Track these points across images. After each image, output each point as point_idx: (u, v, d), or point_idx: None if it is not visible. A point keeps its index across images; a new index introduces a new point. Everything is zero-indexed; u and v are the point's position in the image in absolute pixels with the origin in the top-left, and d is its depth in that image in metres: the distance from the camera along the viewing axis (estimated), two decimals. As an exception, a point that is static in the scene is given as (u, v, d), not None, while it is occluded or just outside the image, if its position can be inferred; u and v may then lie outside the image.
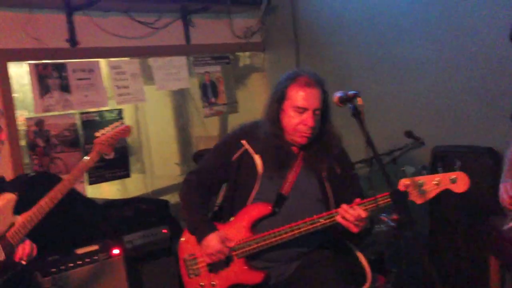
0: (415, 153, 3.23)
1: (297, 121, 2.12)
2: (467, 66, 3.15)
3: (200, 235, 2.25)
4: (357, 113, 1.88)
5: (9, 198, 2.12)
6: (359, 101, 1.88)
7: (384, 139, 3.52)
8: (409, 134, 3.23)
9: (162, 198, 3.60)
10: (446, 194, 2.94)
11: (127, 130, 2.33)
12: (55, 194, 2.15)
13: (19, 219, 2.12)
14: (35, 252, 2.17)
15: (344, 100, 1.96)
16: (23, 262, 2.12)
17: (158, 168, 4.48)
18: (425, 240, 3.29)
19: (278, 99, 2.17)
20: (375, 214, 2.03)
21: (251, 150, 2.24)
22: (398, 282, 2.99)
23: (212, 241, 2.20)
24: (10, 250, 2.09)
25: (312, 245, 2.25)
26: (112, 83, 3.54)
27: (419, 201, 1.93)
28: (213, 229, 2.24)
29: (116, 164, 3.52)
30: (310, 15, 4.07)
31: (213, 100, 4.17)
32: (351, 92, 1.93)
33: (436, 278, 2.43)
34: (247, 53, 4.69)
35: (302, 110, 2.10)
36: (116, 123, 2.32)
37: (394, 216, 1.76)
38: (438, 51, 3.29)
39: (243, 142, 2.26)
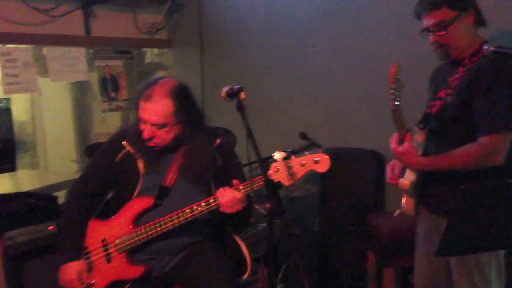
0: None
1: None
2: (357, 76, 3.31)
3: (61, 258, 2.23)
4: (240, 107, 1.91)
5: None
6: (242, 95, 1.91)
7: (281, 139, 3.64)
8: (303, 135, 3.34)
9: (54, 194, 3.43)
10: (334, 193, 3.13)
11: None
12: None
13: None
14: None
15: (231, 95, 1.98)
16: None
17: (54, 164, 4.26)
18: (314, 237, 3.43)
19: (137, 107, 2.19)
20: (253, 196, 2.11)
21: (132, 151, 2.22)
22: (283, 276, 3.10)
23: (69, 270, 2.20)
24: None
25: (196, 236, 2.26)
26: (1, 71, 3.33)
27: (287, 182, 2.00)
28: (75, 258, 2.22)
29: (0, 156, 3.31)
30: (216, 14, 4.10)
31: (113, 95, 4.06)
32: (236, 87, 1.95)
33: (302, 273, 2.59)
34: (155, 50, 4.61)
35: (143, 121, 2.13)
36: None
37: (267, 205, 1.80)
38: (333, 59, 3.43)
39: (124, 143, 2.24)
